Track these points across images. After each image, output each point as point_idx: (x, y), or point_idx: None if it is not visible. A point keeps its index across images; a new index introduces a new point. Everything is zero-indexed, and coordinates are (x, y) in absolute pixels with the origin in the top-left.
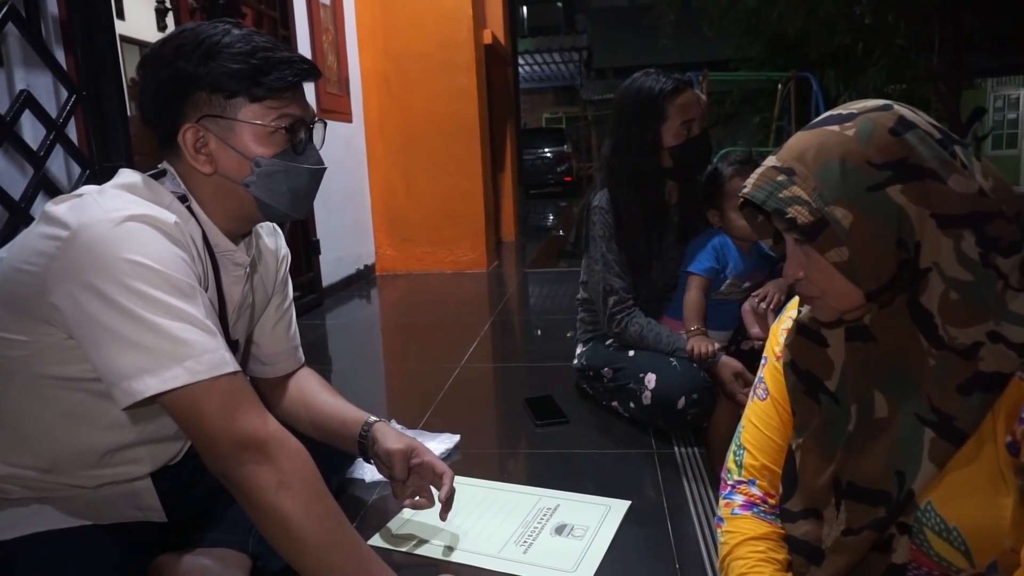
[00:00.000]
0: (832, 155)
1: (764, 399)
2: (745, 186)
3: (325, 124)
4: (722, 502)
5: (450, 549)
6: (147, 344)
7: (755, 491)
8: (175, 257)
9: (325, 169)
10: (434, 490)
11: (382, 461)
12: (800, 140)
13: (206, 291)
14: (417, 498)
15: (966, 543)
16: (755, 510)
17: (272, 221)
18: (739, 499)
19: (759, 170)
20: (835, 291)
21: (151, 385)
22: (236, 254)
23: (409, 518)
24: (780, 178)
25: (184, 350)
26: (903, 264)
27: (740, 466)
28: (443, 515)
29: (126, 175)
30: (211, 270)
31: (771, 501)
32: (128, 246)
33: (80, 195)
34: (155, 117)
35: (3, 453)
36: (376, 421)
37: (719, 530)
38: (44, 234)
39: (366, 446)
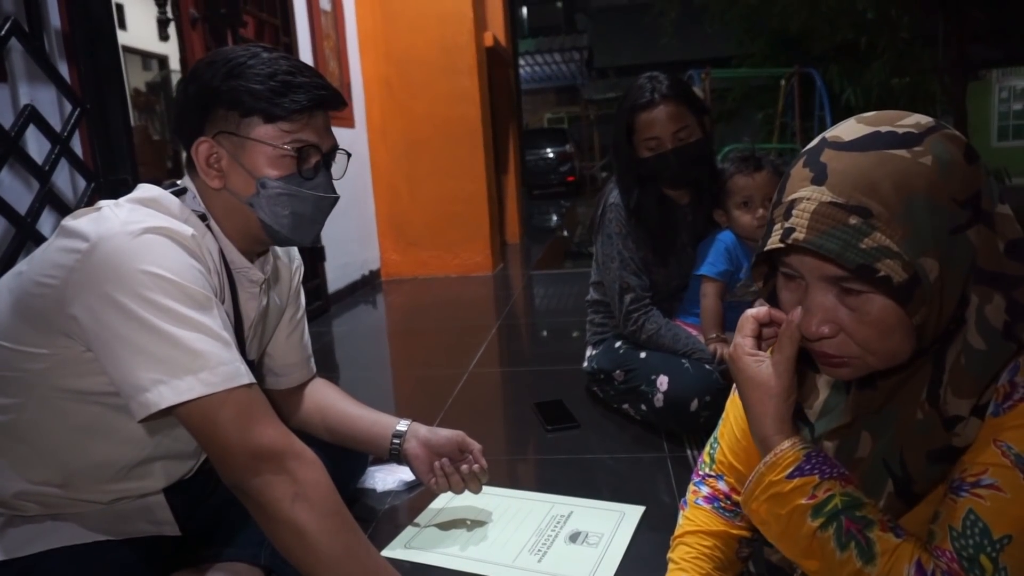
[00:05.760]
0: (917, 190)
1: None
2: (793, 228)
3: (349, 155)
4: (691, 487)
5: (463, 559)
6: (163, 355)
7: (722, 486)
8: (192, 269)
9: (336, 199)
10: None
11: (428, 449)
12: (859, 167)
13: (223, 304)
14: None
15: None
16: (716, 504)
17: (277, 245)
18: (705, 490)
19: (810, 207)
20: (885, 351)
21: (167, 397)
22: (251, 271)
23: (421, 528)
24: (853, 221)
25: (199, 362)
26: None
27: (713, 459)
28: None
29: (144, 189)
30: (228, 286)
31: (735, 498)
32: (145, 258)
33: (98, 208)
34: (179, 130)
35: (20, 467)
36: (410, 424)
37: (681, 511)
38: (63, 247)
39: (400, 443)
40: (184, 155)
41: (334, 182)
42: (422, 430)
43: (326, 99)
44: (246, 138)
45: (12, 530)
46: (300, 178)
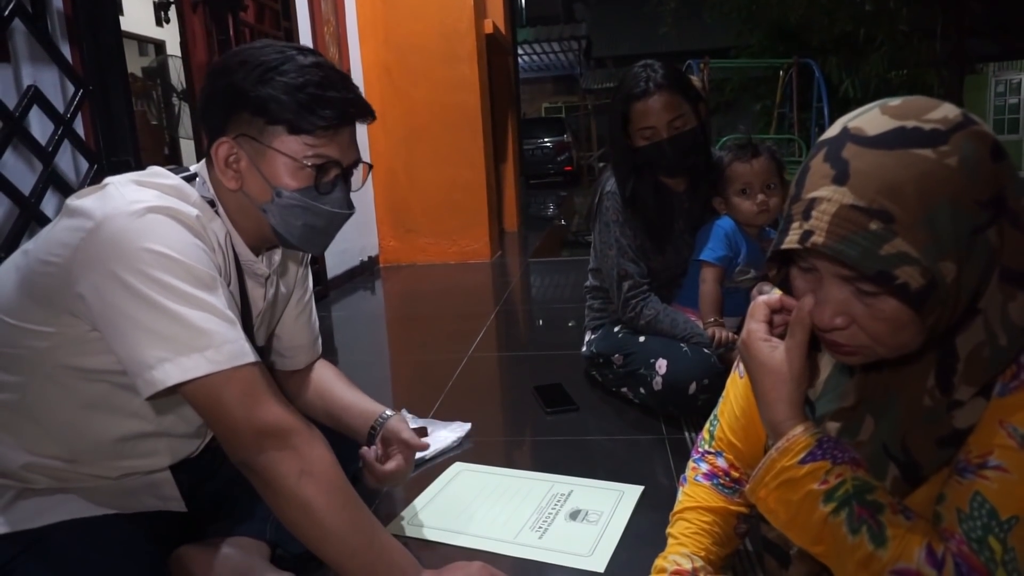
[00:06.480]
0: (941, 195)
1: (743, 377)
2: (812, 231)
3: (370, 167)
4: (690, 463)
5: (465, 535)
6: (168, 333)
7: (721, 463)
8: (195, 248)
9: (351, 214)
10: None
11: (384, 447)
12: (882, 168)
13: (228, 286)
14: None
15: None
16: (715, 481)
17: (287, 248)
18: (704, 467)
19: (831, 208)
20: (895, 345)
21: (172, 375)
22: (256, 265)
23: (424, 506)
24: (874, 226)
25: (204, 340)
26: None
27: (712, 436)
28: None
29: (153, 171)
30: (235, 272)
31: (733, 474)
32: (150, 236)
33: (103, 187)
34: (204, 122)
35: (28, 443)
36: (392, 415)
37: (680, 488)
38: (68, 226)
39: (376, 432)
40: (206, 147)
41: (351, 194)
42: (391, 422)
43: (355, 116)
44: (268, 147)
45: (22, 502)
46: (316, 192)
